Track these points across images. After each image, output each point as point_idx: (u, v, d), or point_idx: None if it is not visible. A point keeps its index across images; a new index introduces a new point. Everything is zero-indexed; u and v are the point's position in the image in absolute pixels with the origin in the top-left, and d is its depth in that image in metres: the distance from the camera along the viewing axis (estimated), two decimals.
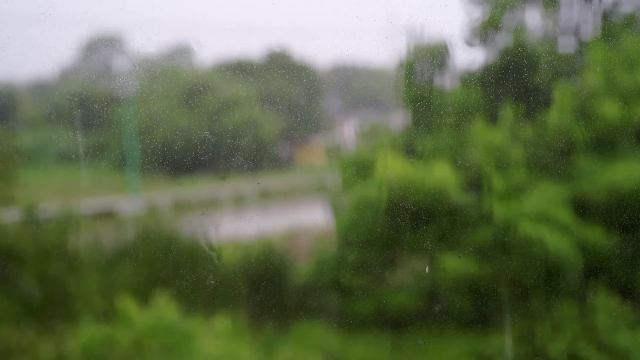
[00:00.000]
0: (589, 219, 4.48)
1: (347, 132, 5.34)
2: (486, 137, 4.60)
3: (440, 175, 4.51)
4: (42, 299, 4.38)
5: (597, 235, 4.41)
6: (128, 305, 4.32)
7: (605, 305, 4.37)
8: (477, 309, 4.54)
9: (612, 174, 4.43)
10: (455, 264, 4.44)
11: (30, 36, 3.48)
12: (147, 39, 3.72)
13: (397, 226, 4.40)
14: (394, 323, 4.55)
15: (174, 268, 4.17)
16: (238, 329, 4.40)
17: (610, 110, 4.49)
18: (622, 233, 4.38)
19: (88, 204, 4.93)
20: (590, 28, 4.58)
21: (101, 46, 4.85)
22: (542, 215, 4.49)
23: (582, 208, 4.50)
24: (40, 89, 4.58)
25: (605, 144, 4.55)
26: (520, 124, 4.54)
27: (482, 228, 4.53)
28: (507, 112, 4.56)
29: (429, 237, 4.43)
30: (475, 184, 4.59)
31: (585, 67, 4.61)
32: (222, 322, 4.33)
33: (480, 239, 4.49)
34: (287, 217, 5.32)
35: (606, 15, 4.67)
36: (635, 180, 4.38)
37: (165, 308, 4.36)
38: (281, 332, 4.45)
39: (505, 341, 4.47)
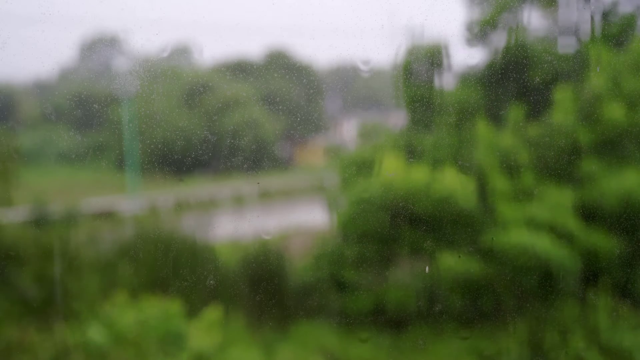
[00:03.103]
0: (595, 225, 4.48)
1: (347, 132, 5.34)
2: (485, 138, 4.60)
3: (440, 176, 4.51)
4: (41, 299, 4.38)
5: (603, 241, 4.41)
6: (127, 304, 4.33)
7: (611, 309, 4.37)
8: (476, 311, 4.54)
9: (615, 178, 4.43)
10: (454, 265, 4.45)
11: (30, 36, 3.48)
12: (147, 39, 3.72)
13: (396, 226, 4.41)
14: (394, 322, 4.55)
15: (173, 268, 4.17)
16: (237, 329, 4.41)
17: (611, 112, 4.49)
18: (630, 239, 4.38)
19: (88, 204, 4.93)
20: (590, 28, 4.58)
21: (101, 46, 4.85)
22: (545, 219, 4.50)
23: (587, 213, 4.50)
24: (40, 89, 4.59)
25: (605, 147, 4.55)
26: (520, 124, 4.55)
27: (482, 231, 4.53)
28: (506, 113, 4.57)
29: (428, 238, 4.43)
30: (474, 185, 4.59)
31: (585, 68, 4.61)
32: (221, 322, 4.33)
33: (480, 242, 4.49)
34: (287, 217, 5.33)
35: (606, 15, 4.67)
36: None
37: (164, 307, 4.36)
38: (280, 331, 4.45)
39: (505, 342, 4.48)
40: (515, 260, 4.39)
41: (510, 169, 4.58)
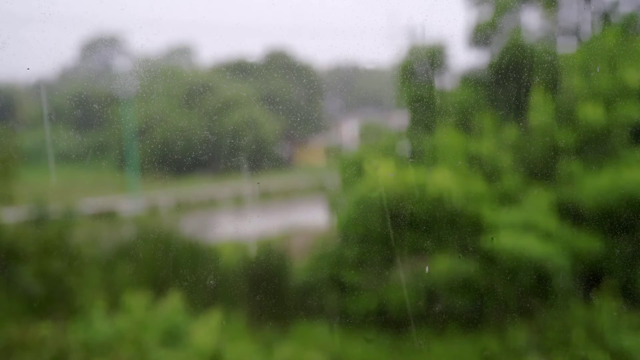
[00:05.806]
0: (579, 225, 4.49)
1: (347, 132, 5.34)
2: (481, 140, 4.61)
3: (436, 177, 4.52)
4: (43, 297, 4.38)
5: (585, 241, 4.42)
6: (127, 303, 4.33)
7: (600, 307, 4.37)
8: (474, 311, 4.55)
9: (601, 179, 4.44)
10: (453, 266, 4.45)
11: (30, 36, 3.48)
12: (147, 39, 3.71)
13: (395, 226, 4.41)
14: (392, 322, 4.56)
15: (173, 267, 4.17)
16: (238, 328, 4.41)
17: (600, 113, 4.50)
18: (611, 238, 4.39)
19: (88, 203, 4.93)
20: (590, 28, 4.58)
21: (101, 46, 4.85)
22: (529, 221, 4.51)
23: (571, 214, 4.51)
24: (40, 89, 4.58)
25: (600, 148, 4.55)
26: (520, 124, 4.55)
27: (475, 232, 4.54)
28: (505, 113, 4.57)
29: (427, 238, 4.43)
30: (471, 186, 4.59)
31: (584, 69, 4.61)
32: (221, 322, 4.33)
33: (474, 243, 4.50)
34: (287, 217, 5.33)
35: (606, 16, 4.67)
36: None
37: (164, 307, 4.37)
38: (280, 330, 4.46)
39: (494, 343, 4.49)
40: (510, 260, 4.39)
41: (509, 169, 4.58)
